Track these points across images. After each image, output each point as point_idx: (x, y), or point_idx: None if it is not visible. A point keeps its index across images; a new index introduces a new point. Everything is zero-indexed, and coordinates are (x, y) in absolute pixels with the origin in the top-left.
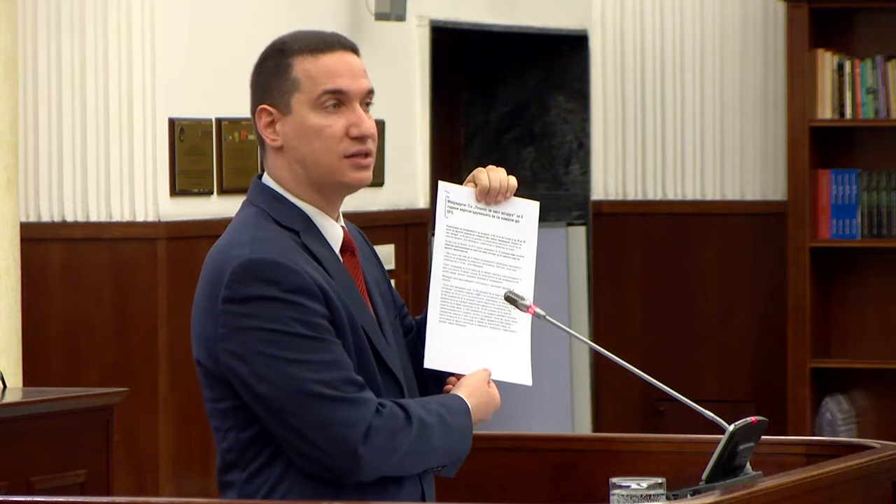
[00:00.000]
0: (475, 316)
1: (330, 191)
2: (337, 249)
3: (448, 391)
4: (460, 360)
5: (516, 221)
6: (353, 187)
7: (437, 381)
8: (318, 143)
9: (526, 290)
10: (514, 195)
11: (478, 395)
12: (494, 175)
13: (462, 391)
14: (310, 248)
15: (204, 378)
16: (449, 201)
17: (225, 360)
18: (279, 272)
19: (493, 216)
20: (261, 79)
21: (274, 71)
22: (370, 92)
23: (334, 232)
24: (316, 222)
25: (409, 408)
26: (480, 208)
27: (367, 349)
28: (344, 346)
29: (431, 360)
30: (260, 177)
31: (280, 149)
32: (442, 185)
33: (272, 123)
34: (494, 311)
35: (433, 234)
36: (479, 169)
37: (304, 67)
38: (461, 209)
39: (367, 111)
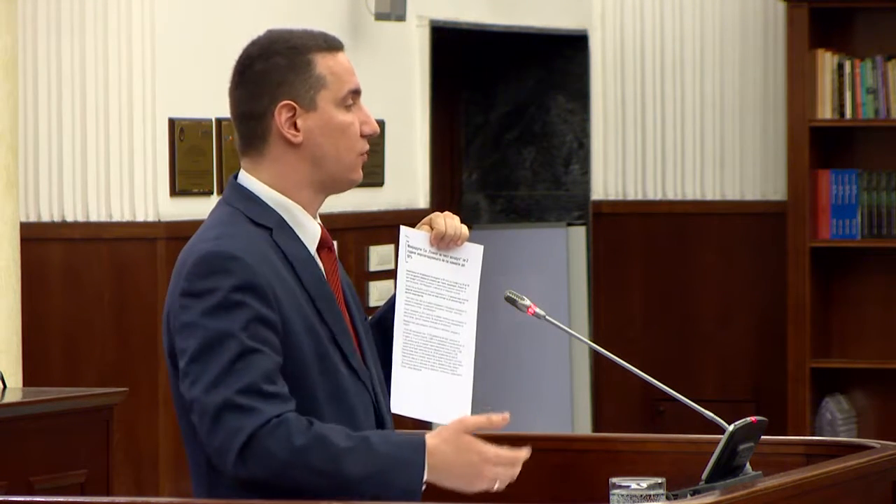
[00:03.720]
0: (428, 360)
1: (332, 188)
2: (314, 246)
3: None
4: (419, 404)
5: (462, 265)
6: (354, 184)
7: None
8: (342, 140)
9: (468, 335)
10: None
11: (448, 441)
12: (451, 222)
13: (430, 435)
14: (281, 247)
15: (172, 371)
16: (409, 246)
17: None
18: (232, 265)
19: (443, 260)
20: (273, 75)
21: (291, 67)
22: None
23: (312, 229)
24: (293, 220)
25: (317, 426)
26: (433, 253)
27: (329, 352)
28: (298, 351)
29: (397, 405)
30: (236, 177)
31: (298, 145)
32: (403, 229)
33: (293, 119)
34: (444, 355)
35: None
36: (437, 214)
37: (328, 65)
38: (419, 253)
39: None
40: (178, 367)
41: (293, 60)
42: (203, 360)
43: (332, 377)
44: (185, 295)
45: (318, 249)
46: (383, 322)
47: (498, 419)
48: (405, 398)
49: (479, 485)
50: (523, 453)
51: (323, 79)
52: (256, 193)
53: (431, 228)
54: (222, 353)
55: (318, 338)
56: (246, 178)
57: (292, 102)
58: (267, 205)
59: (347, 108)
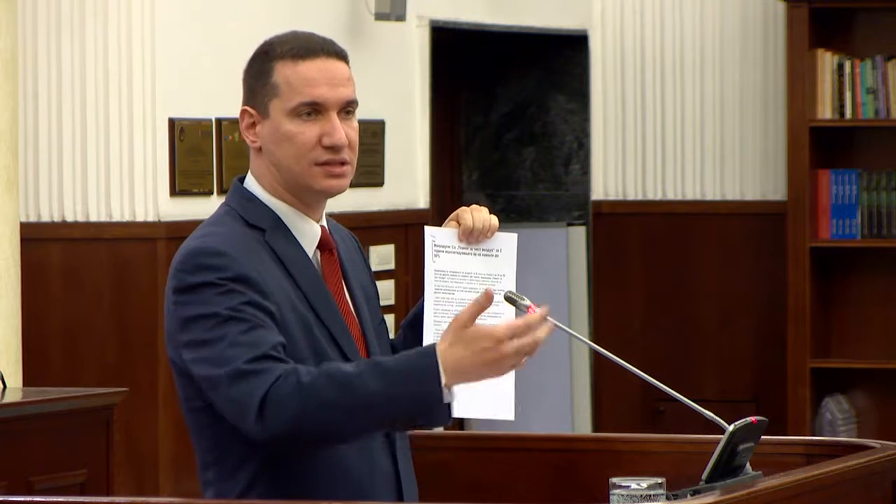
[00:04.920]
0: None
1: (303, 195)
2: (312, 248)
3: None
4: (458, 401)
5: (496, 256)
6: (325, 194)
7: None
8: (290, 149)
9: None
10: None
11: (455, 342)
12: (478, 215)
13: (437, 343)
14: (273, 248)
15: (177, 377)
16: (435, 245)
17: (181, 351)
18: (220, 260)
19: (474, 254)
20: (247, 80)
21: (258, 74)
22: (350, 102)
23: (310, 231)
24: (289, 221)
25: (324, 366)
26: (463, 248)
27: (326, 352)
28: (294, 348)
29: None
30: (241, 179)
31: (259, 150)
32: (427, 230)
33: (253, 125)
34: None
35: (424, 280)
36: (463, 209)
37: (284, 74)
38: (446, 251)
39: (347, 119)
40: (178, 363)
41: (261, 66)
42: (210, 341)
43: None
44: (177, 292)
45: (320, 250)
46: (418, 321)
47: (483, 298)
48: None
49: (506, 365)
50: (538, 314)
51: (276, 87)
52: (255, 195)
53: (459, 224)
54: (227, 330)
55: (313, 336)
56: (248, 178)
57: (250, 108)
58: (264, 206)
59: (300, 117)
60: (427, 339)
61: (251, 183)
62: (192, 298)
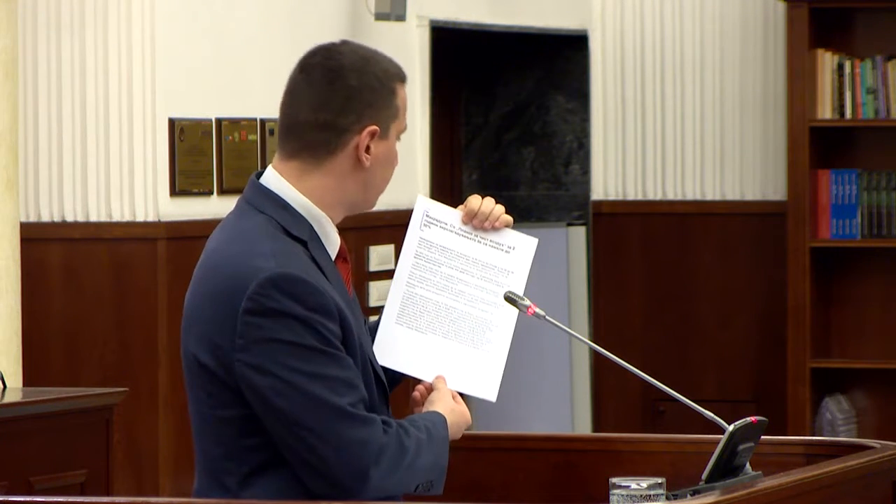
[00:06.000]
0: (439, 327)
1: (353, 211)
2: (334, 256)
3: (416, 399)
4: (412, 363)
5: (506, 252)
6: (365, 211)
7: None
8: (389, 171)
9: (504, 318)
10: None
11: (451, 410)
12: (487, 202)
13: (439, 407)
14: (316, 260)
15: (205, 382)
16: (427, 216)
17: (241, 371)
18: (304, 290)
19: (478, 241)
20: (365, 94)
21: (381, 92)
22: None
23: (336, 239)
24: (322, 231)
25: (406, 426)
26: (465, 231)
27: (368, 361)
28: (354, 363)
29: (380, 357)
30: (258, 176)
31: (363, 169)
32: (421, 198)
33: (370, 143)
34: (464, 328)
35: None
36: (475, 195)
37: (402, 97)
38: (440, 226)
39: None
40: (219, 375)
41: (384, 86)
42: (298, 372)
43: (370, 386)
44: (253, 314)
45: (336, 259)
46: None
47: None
48: (392, 352)
49: None
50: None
51: (398, 110)
52: (289, 201)
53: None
54: (316, 365)
55: (362, 348)
56: (277, 182)
57: (378, 127)
58: (300, 215)
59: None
60: (394, 295)
61: (281, 184)
62: (275, 324)
